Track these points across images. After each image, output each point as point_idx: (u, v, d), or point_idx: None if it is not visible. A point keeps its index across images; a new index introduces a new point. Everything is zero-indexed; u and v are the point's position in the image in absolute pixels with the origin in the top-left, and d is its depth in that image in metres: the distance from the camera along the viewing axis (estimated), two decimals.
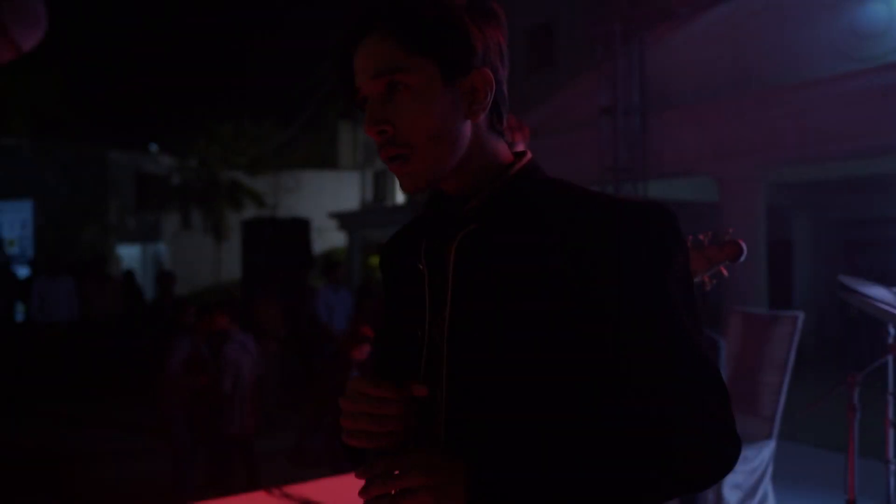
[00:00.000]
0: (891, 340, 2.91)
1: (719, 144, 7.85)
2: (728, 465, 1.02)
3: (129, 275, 11.93)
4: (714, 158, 7.91)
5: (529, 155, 1.17)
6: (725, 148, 7.80)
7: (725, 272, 2.25)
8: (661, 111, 8.23)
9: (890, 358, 3.01)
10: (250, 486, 5.25)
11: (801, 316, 4.01)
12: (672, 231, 1.04)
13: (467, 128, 1.10)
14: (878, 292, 3.04)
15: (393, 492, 0.94)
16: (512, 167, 1.14)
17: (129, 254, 23.79)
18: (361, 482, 0.98)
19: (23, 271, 14.37)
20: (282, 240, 12.53)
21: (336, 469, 5.46)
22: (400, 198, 23.76)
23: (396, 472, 0.95)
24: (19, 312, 11.06)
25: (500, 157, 1.14)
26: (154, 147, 26.87)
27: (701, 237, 2.21)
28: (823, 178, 9.64)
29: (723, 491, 3.70)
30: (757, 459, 3.88)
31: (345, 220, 20.79)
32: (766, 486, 3.94)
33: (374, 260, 19.81)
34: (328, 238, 23.92)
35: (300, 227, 13.22)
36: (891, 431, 2.94)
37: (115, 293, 10.38)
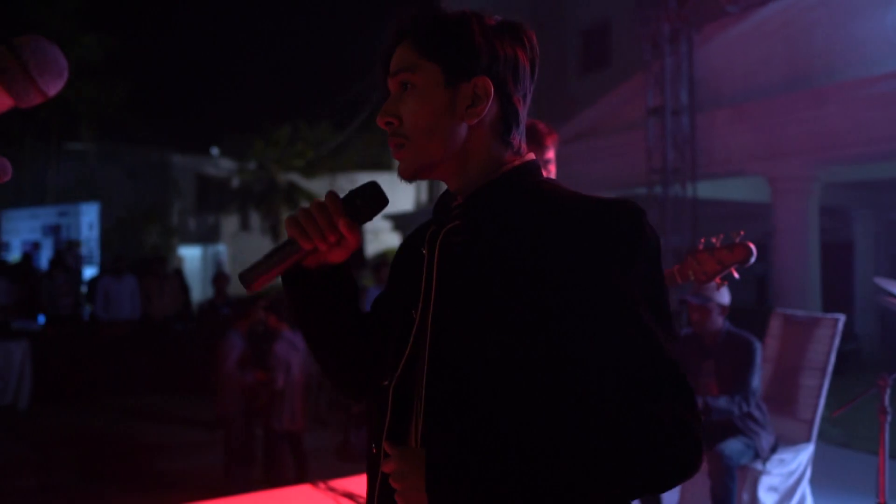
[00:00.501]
0: None
1: (770, 144, 7.73)
2: (687, 468, 1.04)
3: (177, 273, 12.27)
4: (765, 158, 7.80)
5: (528, 159, 1.25)
6: (776, 147, 7.68)
7: (736, 274, 2.27)
8: (711, 111, 8.14)
9: None
10: (299, 479, 5.41)
11: (842, 319, 3.96)
12: (636, 230, 1.09)
13: (462, 129, 1.20)
14: None
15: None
16: (502, 168, 1.22)
17: (190, 254, 24.44)
18: None
19: (90, 272, 14.93)
20: None
21: None
22: None
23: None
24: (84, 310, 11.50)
25: (500, 161, 1.22)
26: (215, 150, 27.50)
27: (713, 240, 2.25)
28: (886, 178, 9.37)
29: (758, 493, 3.69)
30: (794, 462, 3.85)
31: (399, 221, 20.99)
32: (805, 488, 3.90)
33: None
34: (383, 239, 24.17)
35: None
36: None
37: (175, 293, 10.72)
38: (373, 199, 1.24)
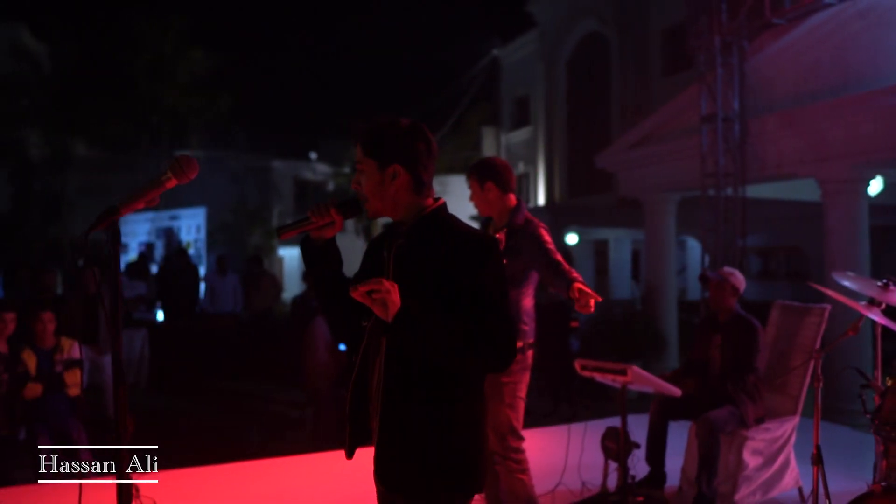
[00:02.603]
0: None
1: (818, 147, 8.11)
2: (501, 364, 2.05)
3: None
4: (813, 161, 8.17)
5: (441, 202, 2.24)
6: (824, 151, 8.05)
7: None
8: (762, 116, 8.56)
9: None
10: None
11: (828, 308, 4.48)
12: (492, 251, 2.10)
13: (392, 191, 2.19)
14: (857, 285, 3.57)
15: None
16: (425, 210, 2.20)
17: (289, 254, 25.89)
18: None
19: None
20: None
21: None
22: (541, 200, 24.46)
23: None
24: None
25: (420, 203, 2.22)
26: (314, 155, 28.93)
27: None
28: None
29: (743, 455, 4.28)
30: (779, 430, 4.41)
31: (485, 221, 21.65)
32: (789, 452, 4.46)
33: None
34: None
35: None
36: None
37: (271, 289, 11.87)
38: (353, 206, 2.23)
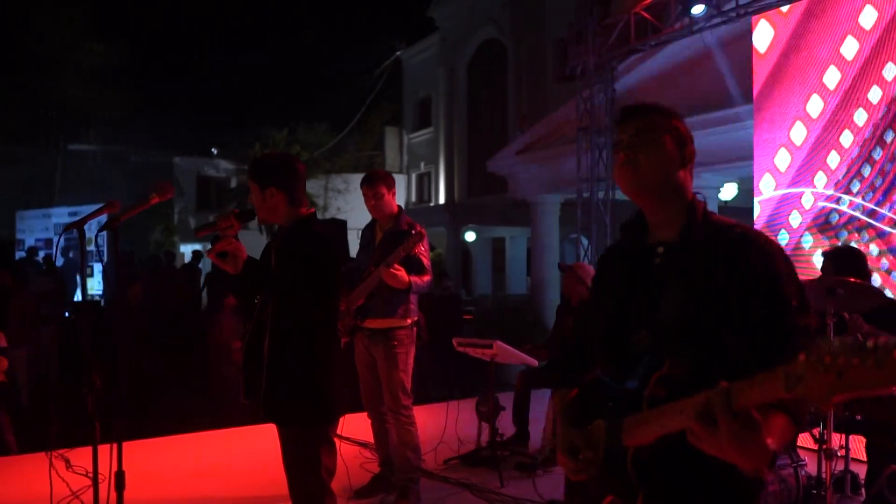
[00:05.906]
0: None
1: None
2: (306, 309, 2.85)
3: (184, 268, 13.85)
4: None
5: (312, 211, 3.03)
6: None
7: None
8: None
9: None
10: None
11: None
12: (334, 245, 2.95)
13: (271, 204, 3.00)
14: None
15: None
16: (299, 217, 2.97)
17: (191, 252, 25.88)
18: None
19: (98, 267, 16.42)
20: None
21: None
22: (441, 199, 25.37)
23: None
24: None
25: (295, 212, 3.02)
26: (215, 152, 28.87)
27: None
28: None
29: None
30: None
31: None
32: None
33: None
34: None
35: (338, 227, 14.91)
36: None
37: (180, 284, 12.32)
38: (248, 214, 3.00)
